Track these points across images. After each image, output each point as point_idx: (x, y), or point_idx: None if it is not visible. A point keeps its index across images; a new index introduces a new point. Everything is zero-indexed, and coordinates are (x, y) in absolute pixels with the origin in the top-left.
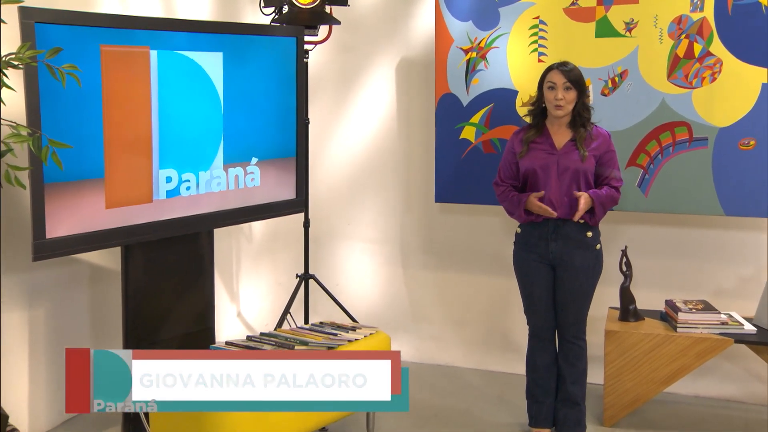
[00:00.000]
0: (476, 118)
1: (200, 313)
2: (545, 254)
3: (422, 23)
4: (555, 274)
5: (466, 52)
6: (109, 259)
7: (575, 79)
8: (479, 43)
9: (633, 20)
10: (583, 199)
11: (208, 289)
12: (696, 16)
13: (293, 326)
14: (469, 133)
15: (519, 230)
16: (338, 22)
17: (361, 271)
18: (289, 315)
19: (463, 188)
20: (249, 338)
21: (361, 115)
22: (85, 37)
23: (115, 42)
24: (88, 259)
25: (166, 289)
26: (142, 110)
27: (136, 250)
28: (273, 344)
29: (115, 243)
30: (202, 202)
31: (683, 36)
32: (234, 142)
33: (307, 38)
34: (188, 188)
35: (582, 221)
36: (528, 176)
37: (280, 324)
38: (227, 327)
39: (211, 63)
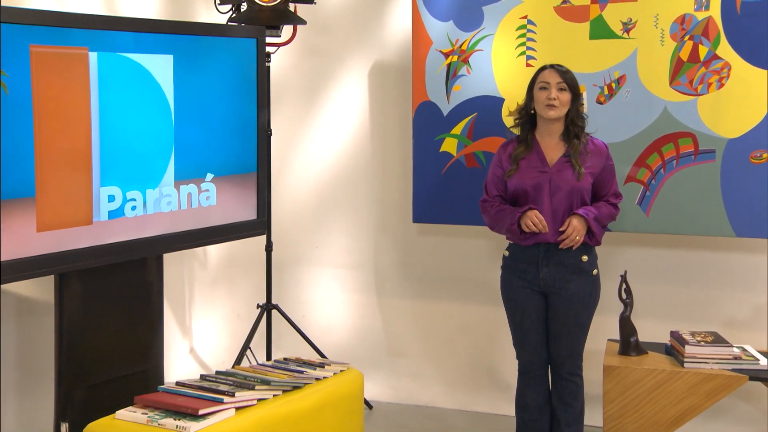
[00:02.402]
0: (458, 129)
1: (147, 350)
2: (536, 280)
3: (398, 23)
4: (547, 303)
5: (447, 55)
6: (41, 289)
7: (570, 82)
8: (461, 46)
9: (631, 20)
10: (571, 227)
11: (157, 322)
12: (701, 16)
13: (254, 363)
14: (450, 145)
15: (507, 253)
16: (304, 22)
17: (331, 301)
18: (249, 350)
19: (444, 207)
20: (203, 377)
21: (330, 126)
22: (12, 36)
23: (48, 42)
24: (15, 290)
25: (108, 323)
26: (80, 120)
27: (72, 279)
28: (231, 384)
29: (48, 271)
30: (149, 223)
31: (687, 37)
32: (186, 156)
33: (268, 39)
34: (134, 208)
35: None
36: (518, 196)
37: (238, 361)
38: (178, 365)
39: (160, 67)
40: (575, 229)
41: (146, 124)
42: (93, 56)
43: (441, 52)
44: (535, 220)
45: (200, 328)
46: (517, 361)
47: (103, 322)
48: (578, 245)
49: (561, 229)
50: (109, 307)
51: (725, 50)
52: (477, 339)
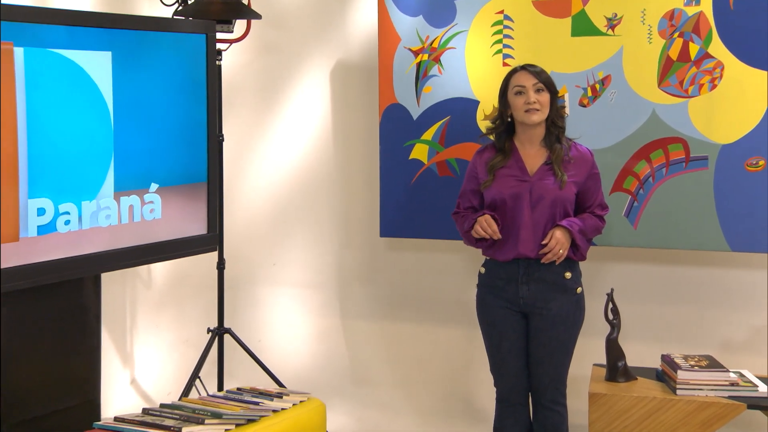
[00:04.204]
0: (429, 135)
1: (82, 382)
2: (515, 300)
3: (363, 18)
4: (527, 324)
5: (416, 53)
6: None
7: (546, 81)
8: (432, 43)
9: (616, 15)
10: (554, 240)
11: (93, 350)
12: (691, 11)
13: (204, 394)
14: (420, 152)
15: (483, 270)
16: (258, 16)
17: (289, 323)
18: (198, 380)
19: (415, 219)
20: (146, 411)
21: (288, 131)
22: None
23: None
24: None
25: (37, 351)
26: (4, 124)
27: None
28: (177, 418)
29: None
30: (85, 239)
31: (676, 34)
32: (128, 164)
33: (219, 35)
34: (67, 222)
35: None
36: (495, 207)
37: (186, 392)
38: (117, 398)
39: (97, 65)
40: (559, 242)
41: (82, 128)
42: (19, 52)
43: (410, 50)
44: (484, 225)
45: (143, 356)
46: (494, 389)
47: (32, 351)
48: (561, 259)
49: (543, 242)
50: (39, 334)
51: (718, 48)
52: (451, 364)
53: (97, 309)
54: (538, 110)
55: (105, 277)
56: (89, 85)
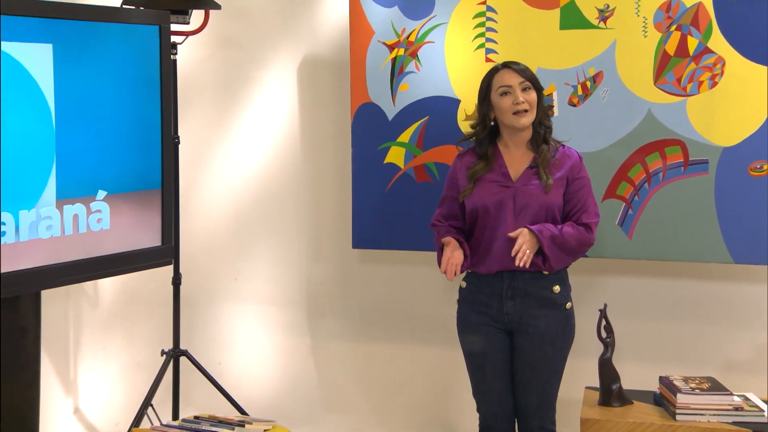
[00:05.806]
0: (406, 137)
1: (19, 412)
2: (499, 316)
3: (333, 10)
4: (512, 343)
5: (392, 48)
6: None
7: (532, 78)
8: (408, 37)
9: (608, 7)
10: (521, 238)
11: (31, 376)
12: (690, 2)
13: (157, 424)
14: (396, 155)
15: (464, 284)
16: (218, 6)
17: (253, 344)
18: (150, 408)
19: (390, 229)
20: None
21: (252, 133)
22: None
23: None
24: None
25: None
26: None
27: None
28: None
29: None
30: (24, 252)
31: (673, 27)
32: (72, 169)
33: (174, 27)
34: (2, 234)
35: (536, 270)
36: (477, 216)
37: (137, 422)
38: (59, 430)
39: (36, 59)
40: (525, 239)
41: (18, 129)
42: None
43: (384, 44)
44: (445, 264)
45: (88, 382)
46: (477, 414)
47: None
48: (527, 260)
49: (510, 234)
50: None
51: (718, 42)
52: (431, 388)
53: (37, 330)
54: (527, 111)
55: (45, 294)
56: (27, 80)
